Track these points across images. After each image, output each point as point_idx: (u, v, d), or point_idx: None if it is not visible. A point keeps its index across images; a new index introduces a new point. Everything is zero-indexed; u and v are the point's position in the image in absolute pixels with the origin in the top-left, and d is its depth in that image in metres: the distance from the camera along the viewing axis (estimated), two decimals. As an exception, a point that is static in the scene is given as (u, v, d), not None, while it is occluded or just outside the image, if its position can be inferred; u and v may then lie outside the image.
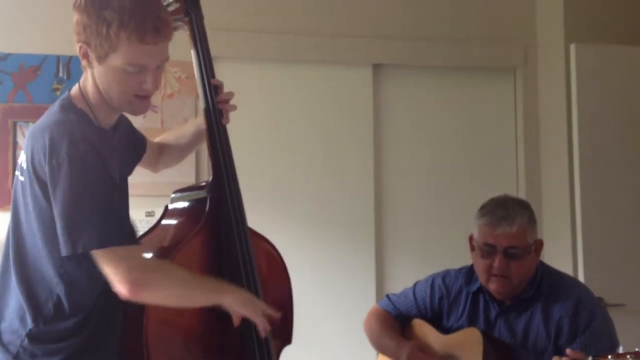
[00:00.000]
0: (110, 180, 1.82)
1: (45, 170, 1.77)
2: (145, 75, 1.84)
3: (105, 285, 1.81)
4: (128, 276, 1.75)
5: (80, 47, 1.84)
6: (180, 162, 2.41)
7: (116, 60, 1.81)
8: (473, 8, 4.21)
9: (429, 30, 4.14)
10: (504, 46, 4.22)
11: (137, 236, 2.00)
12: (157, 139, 2.33)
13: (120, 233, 1.79)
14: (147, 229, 2.18)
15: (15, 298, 1.86)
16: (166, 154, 2.32)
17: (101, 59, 1.82)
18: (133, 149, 2.14)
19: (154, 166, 2.32)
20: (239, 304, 1.90)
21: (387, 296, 2.74)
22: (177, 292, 1.85)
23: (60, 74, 3.70)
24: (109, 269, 1.77)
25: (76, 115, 1.85)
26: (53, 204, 1.76)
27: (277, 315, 1.96)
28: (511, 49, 4.22)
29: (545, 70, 4.17)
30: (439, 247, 4.05)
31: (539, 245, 2.45)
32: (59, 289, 1.83)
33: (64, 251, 1.76)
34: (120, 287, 1.77)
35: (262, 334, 1.95)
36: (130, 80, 1.84)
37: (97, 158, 1.78)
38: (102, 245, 1.75)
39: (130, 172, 2.13)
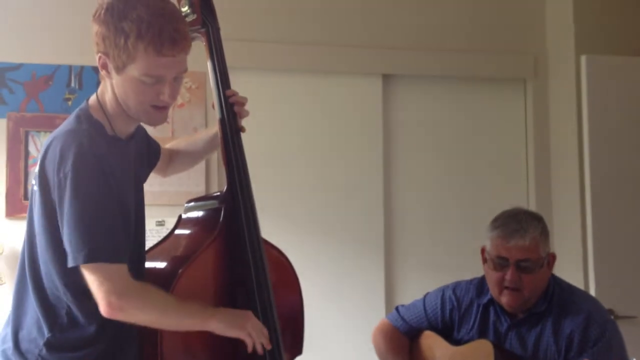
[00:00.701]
0: (113, 196, 1.82)
1: (54, 180, 1.79)
2: (162, 86, 1.85)
3: None
4: (107, 298, 1.77)
5: (100, 58, 1.85)
6: (190, 168, 2.42)
7: (134, 71, 1.81)
8: (483, 19, 4.21)
9: (439, 41, 4.15)
10: (514, 57, 4.21)
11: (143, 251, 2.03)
12: (167, 145, 2.34)
13: (112, 250, 1.79)
14: (158, 238, 2.20)
15: (32, 307, 1.88)
16: (176, 161, 2.33)
17: (119, 69, 1.83)
18: (147, 157, 2.16)
19: (164, 172, 2.33)
20: (225, 327, 1.90)
21: (397, 309, 2.71)
22: (157, 318, 1.86)
23: (72, 84, 3.72)
24: (92, 286, 1.79)
25: (90, 125, 1.86)
26: (58, 214, 1.79)
27: (267, 346, 1.96)
28: (521, 60, 4.21)
29: (556, 82, 4.16)
30: (448, 258, 4.04)
31: (551, 258, 2.43)
32: (67, 298, 1.84)
33: (69, 262, 1.78)
34: (100, 306, 1.79)
35: (249, 349, 1.93)
36: (147, 91, 1.84)
37: (101, 172, 1.79)
38: (88, 260, 1.77)
39: (145, 179, 2.14)
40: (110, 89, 1.90)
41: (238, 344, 1.96)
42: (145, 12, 1.79)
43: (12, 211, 3.58)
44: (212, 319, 1.89)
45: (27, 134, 3.65)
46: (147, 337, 1.91)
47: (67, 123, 1.89)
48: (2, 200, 3.60)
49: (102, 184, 1.79)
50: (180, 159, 2.34)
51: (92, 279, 1.78)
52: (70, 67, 3.71)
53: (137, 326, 1.90)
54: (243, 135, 2.20)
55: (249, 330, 1.92)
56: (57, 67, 3.71)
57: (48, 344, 1.84)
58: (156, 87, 1.84)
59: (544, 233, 2.41)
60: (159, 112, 1.90)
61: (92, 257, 1.76)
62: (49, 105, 3.68)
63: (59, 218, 1.79)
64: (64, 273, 1.82)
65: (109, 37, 1.80)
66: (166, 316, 1.86)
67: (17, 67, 3.68)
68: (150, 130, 2.18)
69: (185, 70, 1.89)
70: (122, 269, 1.81)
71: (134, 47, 1.78)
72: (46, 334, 1.84)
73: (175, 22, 1.84)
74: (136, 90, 1.84)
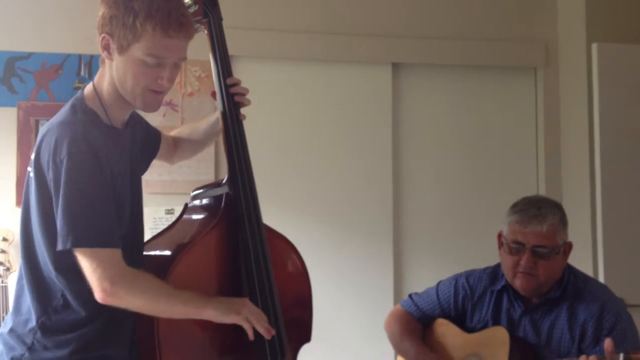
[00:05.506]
0: (106, 183, 1.84)
1: (49, 168, 1.81)
2: (162, 70, 1.88)
3: None
4: (100, 284, 1.79)
5: (103, 38, 1.88)
6: (195, 155, 2.44)
7: (137, 50, 1.84)
8: (494, 7, 4.19)
9: (449, 29, 4.13)
10: (525, 45, 4.20)
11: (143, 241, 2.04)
12: (172, 132, 2.36)
13: (104, 235, 1.81)
14: (167, 225, 2.21)
15: (28, 291, 1.90)
16: (181, 148, 2.35)
17: (123, 49, 1.86)
18: (147, 146, 2.18)
19: (170, 159, 2.35)
20: (221, 314, 1.91)
21: (410, 296, 2.71)
22: (151, 305, 1.86)
23: (82, 73, 3.73)
24: (86, 271, 1.81)
25: (84, 115, 1.89)
26: (54, 200, 1.81)
27: (267, 332, 1.96)
28: (532, 48, 4.19)
29: (567, 70, 4.14)
30: (456, 247, 4.04)
31: (568, 247, 2.42)
32: (60, 282, 1.86)
33: (58, 246, 1.80)
34: (94, 291, 1.81)
35: (250, 337, 1.94)
36: (147, 73, 1.87)
37: (95, 159, 1.82)
38: (81, 244, 1.78)
39: (144, 169, 2.17)
40: (108, 74, 1.92)
41: (239, 330, 1.97)
42: None
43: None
44: (207, 307, 1.90)
45: (37, 122, 3.67)
46: (144, 319, 1.92)
47: (62, 113, 1.91)
48: (12, 189, 3.63)
49: (95, 171, 1.82)
50: (184, 146, 2.36)
51: (85, 264, 1.80)
52: (80, 56, 3.72)
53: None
54: (253, 124, 2.20)
55: (246, 315, 1.93)
56: (67, 56, 3.72)
57: (43, 327, 1.87)
58: (156, 70, 1.87)
59: (563, 221, 2.40)
60: (155, 96, 1.92)
61: (80, 240, 1.78)
62: (59, 94, 3.69)
63: (54, 204, 1.81)
64: (55, 258, 1.84)
65: (117, 16, 1.84)
66: (160, 303, 1.86)
67: (27, 56, 3.70)
68: (159, 119, 2.18)
69: (185, 58, 1.92)
70: (115, 254, 1.82)
71: (142, 26, 1.82)
72: (41, 317, 1.87)
73: (183, 8, 1.90)
74: (136, 72, 1.87)
